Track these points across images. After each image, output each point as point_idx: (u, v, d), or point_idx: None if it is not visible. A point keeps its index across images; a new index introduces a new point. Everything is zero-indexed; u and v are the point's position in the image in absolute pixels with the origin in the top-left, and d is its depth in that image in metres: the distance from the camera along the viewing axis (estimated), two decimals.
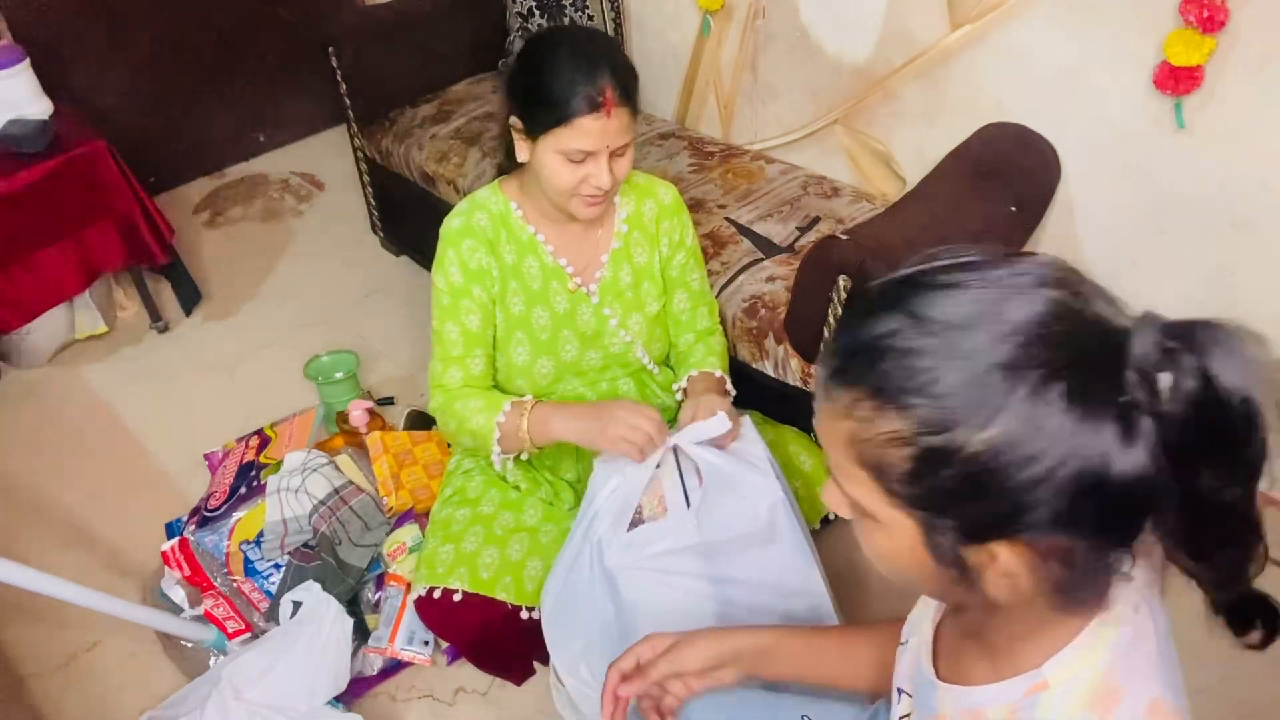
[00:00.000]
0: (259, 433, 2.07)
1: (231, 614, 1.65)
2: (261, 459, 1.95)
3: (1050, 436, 0.54)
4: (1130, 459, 0.53)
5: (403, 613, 1.62)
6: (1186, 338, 0.53)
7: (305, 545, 1.71)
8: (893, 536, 0.63)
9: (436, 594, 1.43)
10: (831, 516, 1.55)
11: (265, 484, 1.80)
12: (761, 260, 1.83)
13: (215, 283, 2.69)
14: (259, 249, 2.85)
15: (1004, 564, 0.59)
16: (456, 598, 1.42)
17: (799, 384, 1.69)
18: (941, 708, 0.73)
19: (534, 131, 1.32)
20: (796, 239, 1.89)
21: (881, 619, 0.97)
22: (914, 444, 0.57)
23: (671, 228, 1.55)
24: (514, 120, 1.35)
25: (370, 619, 1.68)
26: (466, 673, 1.62)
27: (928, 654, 0.77)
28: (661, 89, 2.44)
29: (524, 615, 1.44)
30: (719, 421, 1.33)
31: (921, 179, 1.70)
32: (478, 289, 1.45)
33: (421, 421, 2.04)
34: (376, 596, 1.70)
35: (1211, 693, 1.46)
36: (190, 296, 2.56)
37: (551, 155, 1.32)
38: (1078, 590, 0.61)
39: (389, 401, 2.22)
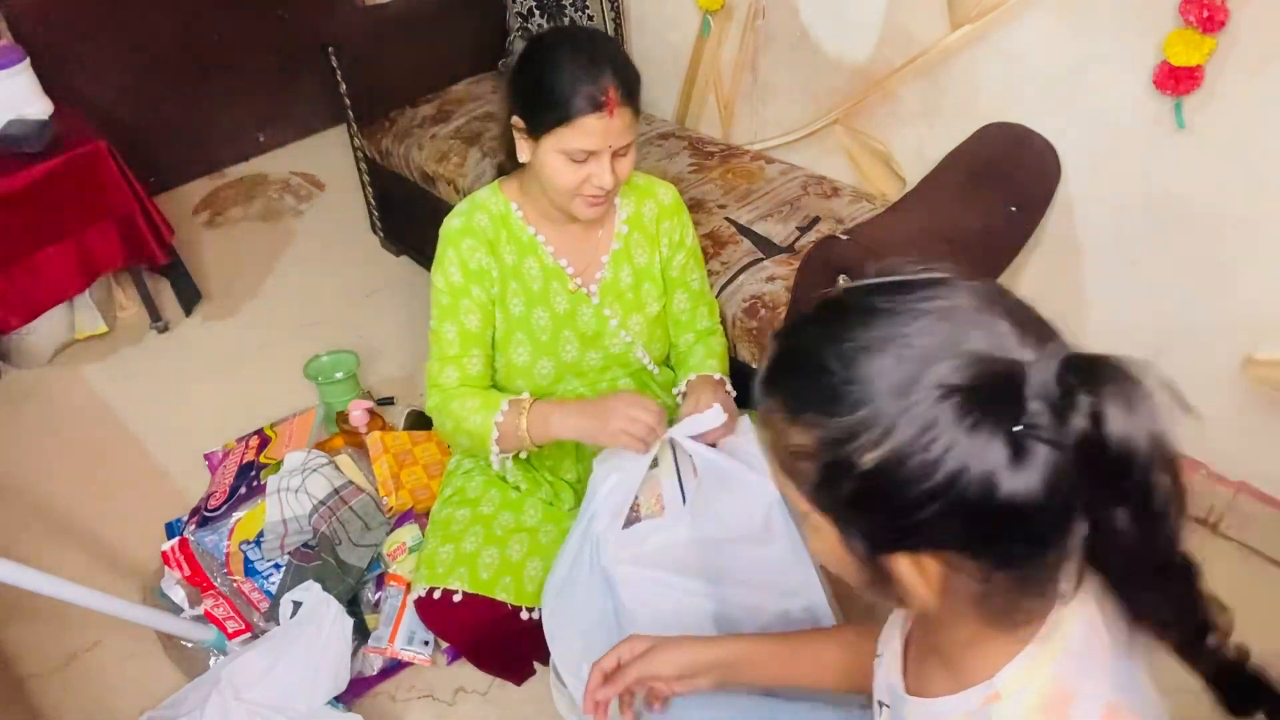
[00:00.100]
0: (259, 433, 2.07)
1: (231, 614, 1.65)
2: (261, 459, 1.95)
3: (941, 455, 0.55)
4: (1020, 481, 0.54)
5: (403, 613, 1.62)
6: (1086, 374, 0.54)
7: (305, 545, 1.71)
8: (821, 536, 0.65)
9: (436, 594, 1.43)
10: None
11: (265, 484, 1.80)
12: (761, 260, 1.83)
13: (215, 283, 2.70)
14: (259, 249, 2.85)
15: (905, 575, 0.61)
16: (456, 598, 1.42)
17: None
18: None
19: (536, 131, 1.32)
20: (796, 239, 1.89)
21: (877, 615, 0.98)
22: (816, 458, 0.60)
23: (671, 228, 1.55)
24: (516, 120, 1.35)
25: (370, 619, 1.68)
26: (466, 673, 1.62)
27: (898, 666, 0.78)
28: (661, 89, 2.44)
29: (524, 615, 1.45)
30: (715, 414, 1.34)
31: (921, 179, 1.70)
32: (477, 289, 1.45)
33: (421, 421, 2.04)
34: (376, 596, 1.70)
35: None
36: (190, 296, 2.56)
37: (554, 155, 1.32)
38: (1006, 608, 0.62)
39: (389, 401, 2.22)
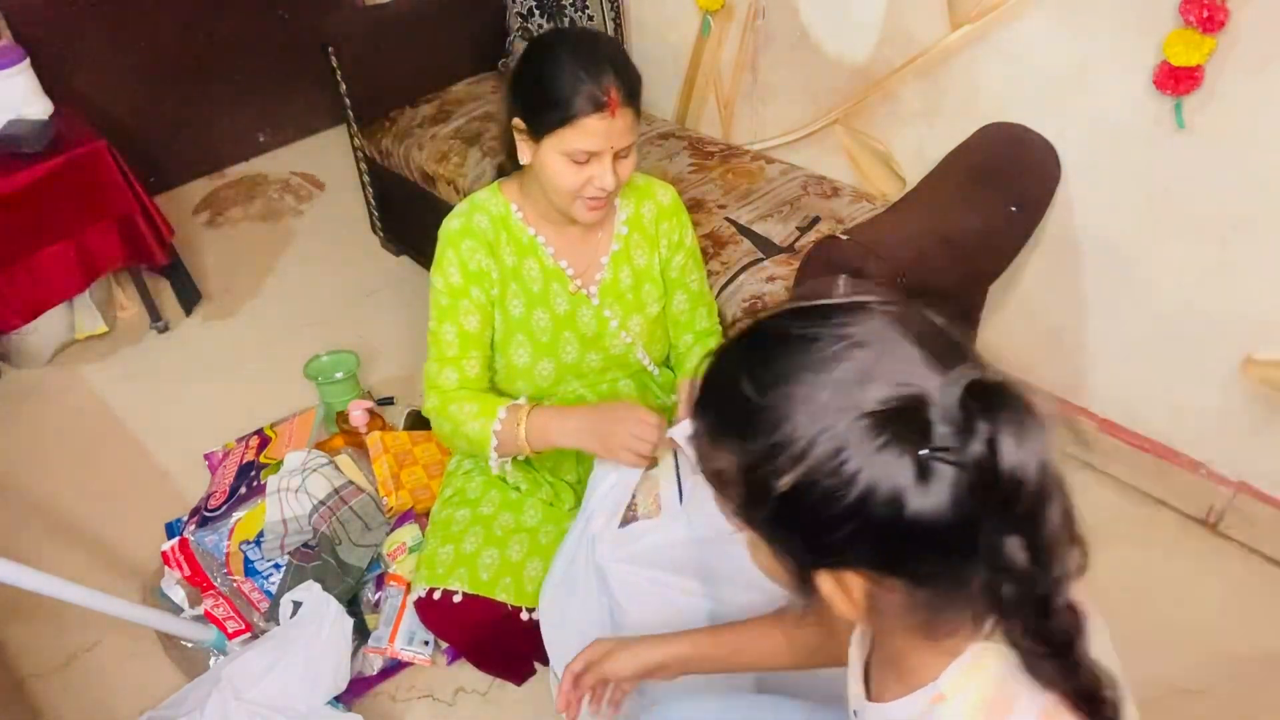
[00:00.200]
0: (259, 433, 2.07)
1: (231, 614, 1.65)
2: (261, 459, 1.95)
3: (852, 476, 0.57)
4: (927, 500, 0.56)
5: (403, 613, 1.62)
6: (986, 400, 0.56)
7: (305, 545, 1.71)
8: (757, 550, 0.68)
9: (436, 595, 1.43)
10: None
11: (265, 484, 1.80)
12: (761, 260, 1.83)
13: (215, 283, 2.70)
14: (259, 249, 2.85)
15: (827, 591, 0.63)
16: (456, 598, 1.42)
17: None
18: None
19: (537, 132, 1.32)
20: (796, 239, 1.89)
21: None
22: (738, 480, 0.63)
23: (671, 229, 1.55)
24: (516, 121, 1.35)
25: (370, 619, 1.68)
26: (466, 673, 1.62)
27: (859, 675, 0.80)
28: (661, 89, 2.44)
29: (524, 616, 1.45)
30: None
31: (921, 179, 1.70)
32: (476, 290, 1.45)
33: (421, 421, 2.03)
34: (376, 596, 1.70)
35: (1212, 694, 1.46)
36: (190, 296, 2.56)
37: (555, 156, 1.31)
38: (931, 620, 0.64)
39: (389, 401, 2.22)
